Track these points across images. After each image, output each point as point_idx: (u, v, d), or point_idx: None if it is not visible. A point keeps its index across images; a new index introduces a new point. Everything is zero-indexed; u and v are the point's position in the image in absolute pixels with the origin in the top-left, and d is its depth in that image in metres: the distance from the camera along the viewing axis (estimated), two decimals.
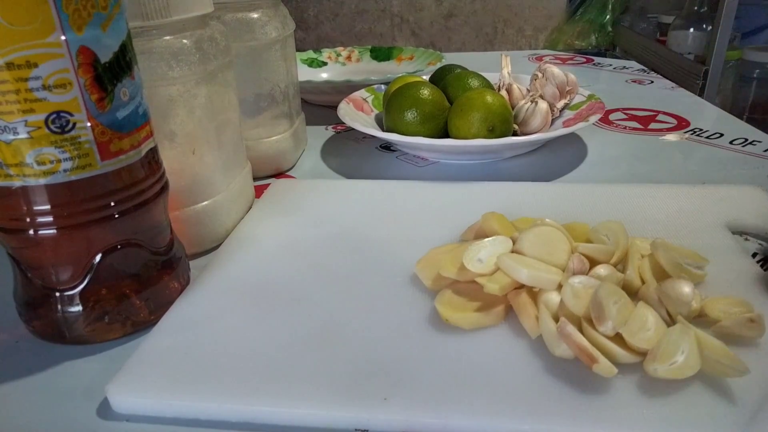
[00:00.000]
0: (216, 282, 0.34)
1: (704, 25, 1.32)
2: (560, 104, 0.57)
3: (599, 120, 0.59)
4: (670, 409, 0.24)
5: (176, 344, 0.29)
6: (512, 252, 0.31)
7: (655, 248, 0.30)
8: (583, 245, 0.31)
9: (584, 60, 0.97)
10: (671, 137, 0.58)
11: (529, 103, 0.54)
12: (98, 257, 0.29)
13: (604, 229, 0.33)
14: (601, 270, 0.29)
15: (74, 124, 0.26)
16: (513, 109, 0.54)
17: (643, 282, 0.30)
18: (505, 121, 0.50)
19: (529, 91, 0.58)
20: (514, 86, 0.58)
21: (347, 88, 0.66)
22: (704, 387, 0.25)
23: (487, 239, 0.32)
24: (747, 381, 0.25)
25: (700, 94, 1.12)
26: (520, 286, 0.30)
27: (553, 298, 0.28)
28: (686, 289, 0.27)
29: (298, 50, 0.74)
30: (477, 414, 0.24)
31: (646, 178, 0.48)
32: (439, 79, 0.61)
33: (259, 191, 0.47)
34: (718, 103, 1.04)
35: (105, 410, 0.26)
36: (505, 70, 0.60)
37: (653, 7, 1.69)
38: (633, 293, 0.30)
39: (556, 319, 0.27)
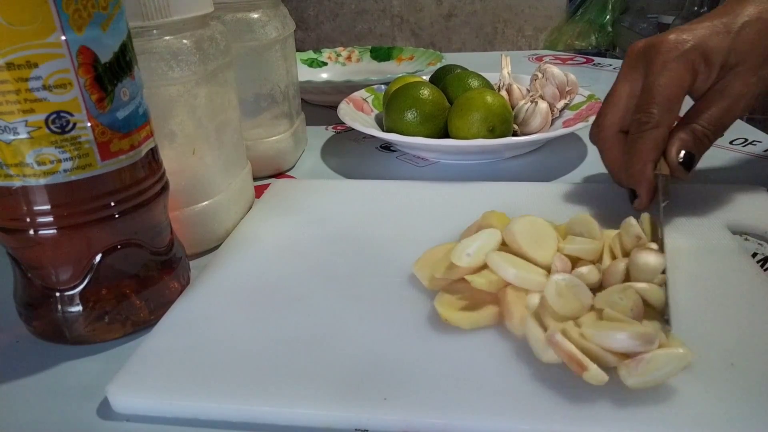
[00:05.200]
0: (216, 282, 0.34)
1: None
2: (560, 104, 0.57)
3: None
4: (669, 407, 0.24)
5: (176, 344, 0.29)
6: (503, 242, 0.31)
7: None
8: (569, 246, 0.31)
9: (584, 60, 0.97)
10: None
11: (529, 103, 0.54)
12: (98, 257, 0.29)
13: (578, 224, 0.33)
14: (584, 269, 0.29)
15: (74, 124, 0.26)
16: (513, 109, 0.54)
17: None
18: (505, 122, 0.50)
19: (529, 91, 0.58)
20: (514, 86, 0.58)
21: (347, 88, 0.66)
22: (700, 386, 0.25)
23: (477, 233, 0.32)
24: (733, 377, 0.25)
25: None
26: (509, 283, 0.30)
27: (538, 301, 0.28)
28: (651, 258, 0.28)
29: (298, 50, 0.74)
30: (477, 414, 0.24)
31: None
32: (439, 79, 0.61)
33: (259, 191, 0.47)
34: None
35: (105, 410, 0.26)
36: (505, 71, 0.60)
37: (653, 8, 1.69)
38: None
39: (539, 318, 0.27)
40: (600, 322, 0.26)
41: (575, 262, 0.30)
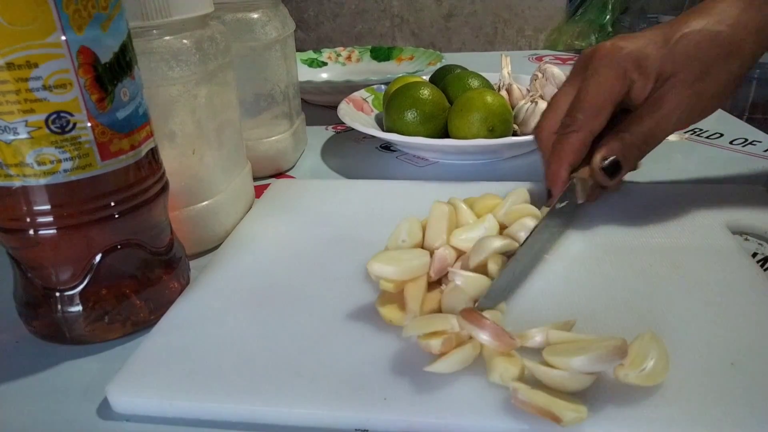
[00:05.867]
0: (216, 282, 0.34)
1: None
2: None
3: None
4: (669, 407, 0.24)
5: (176, 344, 0.29)
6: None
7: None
8: (456, 238, 0.32)
9: None
10: (671, 137, 0.58)
11: (529, 103, 0.54)
12: (98, 257, 0.29)
13: (514, 196, 0.36)
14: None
15: (74, 125, 0.26)
16: (513, 109, 0.54)
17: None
18: (505, 121, 0.50)
19: (529, 91, 0.58)
20: (514, 86, 0.58)
21: (347, 88, 0.66)
22: (700, 386, 0.25)
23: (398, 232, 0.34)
24: (733, 377, 0.25)
25: None
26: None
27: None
28: (530, 223, 0.33)
29: (298, 50, 0.74)
30: (477, 414, 0.24)
31: (645, 178, 0.48)
32: (439, 79, 0.61)
33: (259, 191, 0.47)
34: None
35: (105, 410, 0.26)
36: (505, 71, 0.60)
37: (653, 8, 1.69)
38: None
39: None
40: (554, 349, 0.25)
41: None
